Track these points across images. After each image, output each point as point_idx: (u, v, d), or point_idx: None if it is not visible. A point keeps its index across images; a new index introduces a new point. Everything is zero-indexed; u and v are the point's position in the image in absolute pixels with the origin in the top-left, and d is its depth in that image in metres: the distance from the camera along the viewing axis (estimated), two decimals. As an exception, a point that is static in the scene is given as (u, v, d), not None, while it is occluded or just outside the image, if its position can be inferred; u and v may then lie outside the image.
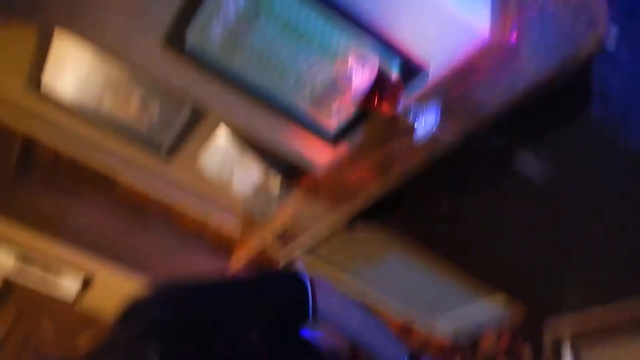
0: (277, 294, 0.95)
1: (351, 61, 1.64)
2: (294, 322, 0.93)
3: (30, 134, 2.20)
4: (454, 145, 1.49)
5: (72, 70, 1.93)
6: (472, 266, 2.06)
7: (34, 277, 3.11)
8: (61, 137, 2.14)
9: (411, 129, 1.61)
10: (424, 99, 1.64)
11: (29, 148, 2.28)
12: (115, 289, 2.95)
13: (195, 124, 2.02)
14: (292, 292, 0.95)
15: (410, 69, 1.60)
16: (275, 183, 2.34)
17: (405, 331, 2.80)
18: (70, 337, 3.26)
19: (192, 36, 1.60)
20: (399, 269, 2.28)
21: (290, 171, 2.20)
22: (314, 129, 1.85)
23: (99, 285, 3.06)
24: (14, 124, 2.14)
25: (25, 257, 3.01)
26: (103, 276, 2.89)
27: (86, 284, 3.08)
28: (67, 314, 3.28)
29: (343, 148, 1.93)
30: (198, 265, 2.83)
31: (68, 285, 3.09)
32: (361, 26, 1.53)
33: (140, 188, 2.54)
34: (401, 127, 1.66)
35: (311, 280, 0.96)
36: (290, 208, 2.31)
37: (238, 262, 2.53)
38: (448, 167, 1.58)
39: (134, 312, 0.82)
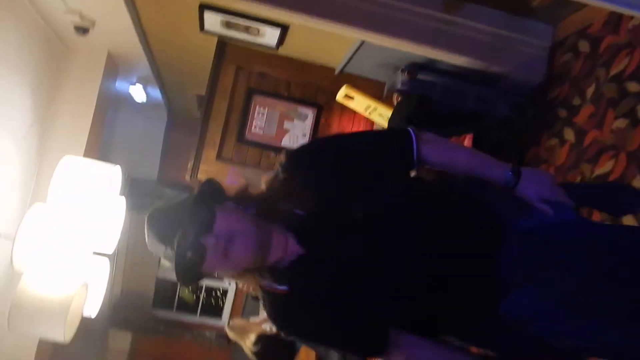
0: (387, 146, 1.22)
1: None
2: (402, 167, 1.21)
3: None
4: None
5: None
6: None
7: (240, 37, 3.51)
8: None
9: None
10: None
11: None
12: (309, 35, 3.19)
13: None
14: (400, 144, 1.20)
15: None
16: None
17: (612, 24, 2.54)
18: (279, 78, 3.75)
19: None
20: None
21: None
22: None
23: (295, 34, 3.33)
24: None
25: (228, 23, 3.38)
26: (297, 26, 3.12)
27: (282, 35, 3.38)
28: (274, 60, 3.74)
29: None
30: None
31: (268, 38, 3.43)
32: None
33: None
34: None
35: (416, 134, 1.19)
36: None
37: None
38: None
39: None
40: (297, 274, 1.16)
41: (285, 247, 1.13)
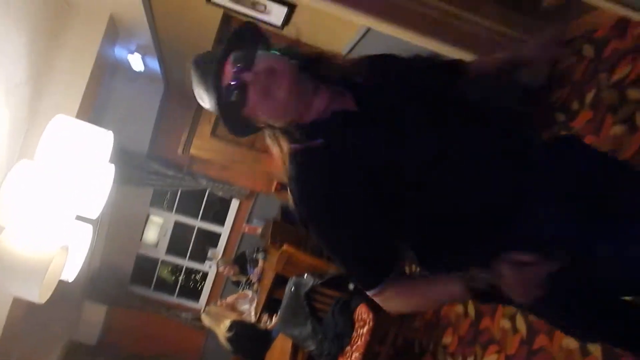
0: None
1: None
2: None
3: None
4: None
5: None
6: None
7: (246, 12, 3.47)
8: None
9: None
10: None
11: None
12: (315, 17, 3.15)
13: None
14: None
15: None
16: None
17: (620, 29, 2.55)
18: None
19: None
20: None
21: None
22: None
23: (301, 14, 3.30)
24: None
25: (235, -4, 3.33)
26: (304, 6, 3.09)
27: (289, 15, 3.35)
28: (277, 40, 3.67)
29: None
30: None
31: (274, 16, 3.40)
32: None
33: None
34: None
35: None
36: None
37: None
38: None
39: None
40: (339, 127, 1.09)
41: (329, 101, 1.09)
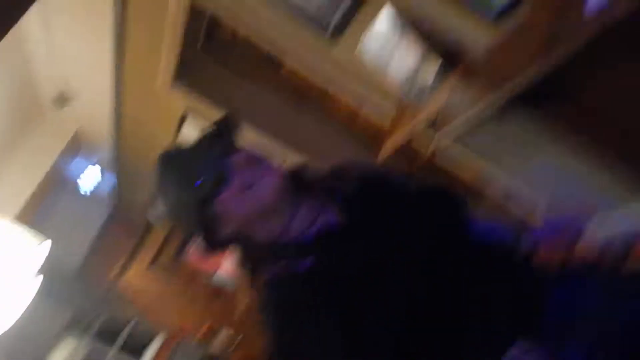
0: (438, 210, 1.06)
1: None
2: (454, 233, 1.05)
3: (214, 10, 2.43)
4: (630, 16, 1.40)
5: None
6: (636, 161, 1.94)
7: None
8: (241, 13, 2.35)
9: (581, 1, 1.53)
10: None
11: (213, 27, 2.59)
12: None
13: (361, 4, 2.11)
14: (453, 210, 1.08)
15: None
16: (431, 70, 2.36)
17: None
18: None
19: None
20: (551, 163, 2.22)
21: (449, 56, 2.21)
22: (477, 6, 1.85)
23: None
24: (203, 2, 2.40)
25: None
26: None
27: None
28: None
29: (505, 28, 1.90)
30: (344, 154, 3.02)
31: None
32: None
33: (303, 71, 2.74)
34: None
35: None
36: (444, 95, 2.32)
37: (385, 153, 2.63)
38: (621, 40, 1.49)
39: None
40: (328, 245, 0.95)
41: (315, 218, 0.98)
